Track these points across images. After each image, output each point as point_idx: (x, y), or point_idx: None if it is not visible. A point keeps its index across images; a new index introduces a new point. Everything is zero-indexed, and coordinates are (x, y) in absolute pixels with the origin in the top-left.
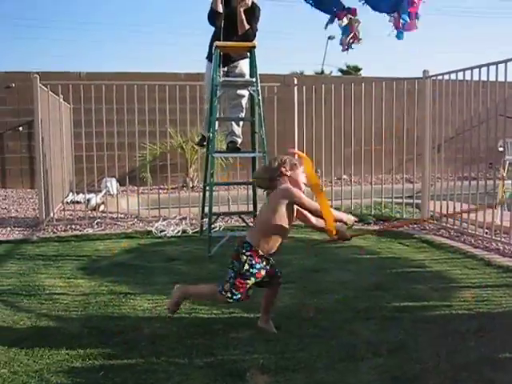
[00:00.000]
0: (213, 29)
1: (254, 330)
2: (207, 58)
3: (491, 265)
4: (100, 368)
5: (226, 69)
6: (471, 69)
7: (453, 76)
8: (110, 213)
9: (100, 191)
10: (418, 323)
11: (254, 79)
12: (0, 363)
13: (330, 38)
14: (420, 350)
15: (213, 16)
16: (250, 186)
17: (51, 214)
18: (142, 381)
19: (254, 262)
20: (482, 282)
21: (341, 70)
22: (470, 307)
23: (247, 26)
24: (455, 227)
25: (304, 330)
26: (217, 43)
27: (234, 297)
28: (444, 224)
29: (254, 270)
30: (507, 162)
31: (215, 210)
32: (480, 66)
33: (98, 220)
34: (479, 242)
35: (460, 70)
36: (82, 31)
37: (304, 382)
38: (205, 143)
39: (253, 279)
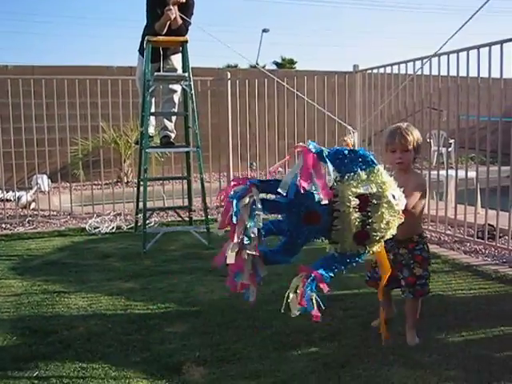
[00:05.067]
0: (145, 21)
1: (190, 323)
2: (139, 51)
3: None
4: (34, 368)
5: (159, 63)
6: (398, 64)
7: (381, 70)
8: (42, 210)
9: (31, 188)
10: (348, 311)
11: (186, 74)
12: None
13: (264, 30)
14: (350, 336)
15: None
16: (185, 181)
17: None
18: (76, 379)
19: None
20: None
21: (276, 63)
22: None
23: (180, 21)
24: None
25: (239, 322)
26: (148, 37)
27: None
28: None
29: None
30: (434, 153)
31: (150, 205)
32: (406, 62)
33: (30, 218)
34: None
35: (388, 65)
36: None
37: (239, 372)
38: None
39: None
